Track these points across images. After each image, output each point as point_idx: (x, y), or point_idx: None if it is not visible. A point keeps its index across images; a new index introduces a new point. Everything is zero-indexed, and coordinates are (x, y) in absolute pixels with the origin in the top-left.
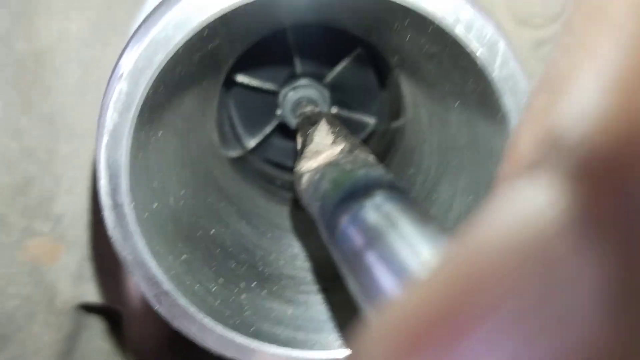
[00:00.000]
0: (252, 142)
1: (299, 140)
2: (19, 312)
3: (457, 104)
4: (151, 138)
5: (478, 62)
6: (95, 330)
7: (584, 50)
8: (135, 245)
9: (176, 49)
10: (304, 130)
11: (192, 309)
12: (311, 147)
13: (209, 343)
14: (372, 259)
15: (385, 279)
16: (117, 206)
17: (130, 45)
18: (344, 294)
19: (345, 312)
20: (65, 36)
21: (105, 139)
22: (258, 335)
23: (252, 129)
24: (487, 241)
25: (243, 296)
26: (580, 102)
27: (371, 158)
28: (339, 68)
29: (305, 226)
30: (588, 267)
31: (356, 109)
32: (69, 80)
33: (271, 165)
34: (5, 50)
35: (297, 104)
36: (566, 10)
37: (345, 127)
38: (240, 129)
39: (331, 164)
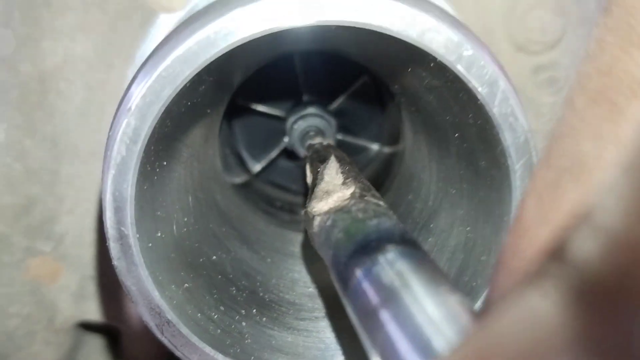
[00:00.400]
0: (257, 167)
1: (309, 174)
2: (19, 332)
3: (456, 135)
4: (156, 169)
5: (479, 97)
6: (94, 346)
7: (590, 135)
8: (139, 276)
9: (183, 83)
10: (314, 167)
11: (194, 339)
12: (322, 187)
13: None
14: (385, 319)
15: (398, 341)
16: (122, 237)
17: (138, 79)
18: (343, 321)
19: (345, 339)
20: (70, 59)
21: (111, 172)
22: None
23: (257, 154)
24: (497, 340)
25: (244, 324)
26: (592, 208)
27: (382, 204)
28: (343, 97)
29: (304, 250)
30: None
31: (359, 134)
32: (72, 102)
33: (274, 187)
34: (11, 72)
35: (305, 133)
36: (565, 35)
37: (353, 164)
38: (244, 154)
39: (343, 211)
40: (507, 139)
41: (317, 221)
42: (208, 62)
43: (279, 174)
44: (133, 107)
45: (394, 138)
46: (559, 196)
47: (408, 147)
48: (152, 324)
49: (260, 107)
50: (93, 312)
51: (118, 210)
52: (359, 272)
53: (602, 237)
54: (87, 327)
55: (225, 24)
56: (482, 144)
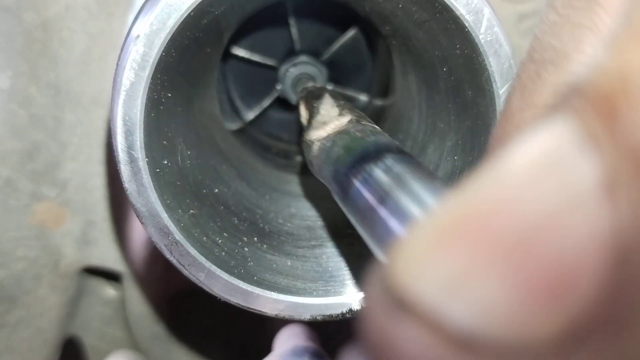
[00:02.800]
0: (250, 115)
1: (303, 112)
2: (26, 275)
3: (445, 69)
4: (162, 99)
5: (466, 25)
6: (97, 296)
7: (569, 26)
8: (148, 198)
9: (188, 12)
10: (309, 104)
11: (201, 259)
12: (318, 119)
13: (216, 290)
14: (386, 213)
15: (399, 228)
16: (132, 160)
17: (145, 9)
18: (337, 249)
19: (339, 263)
20: (72, 7)
21: (121, 98)
22: (261, 283)
23: (251, 103)
24: (504, 191)
25: (246, 249)
26: (583, 61)
27: (378, 128)
28: (335, 46)
29: (301, 189)
30: (592, 163)
31: (350, 85)
32: (74, 50)
33: (268, 137)
34: (15, 20)
35: (298, 80)
36: None
37: (347, 102)
38: (238, 102)
39: (342, 133)
40: (492, 64)
41: (316, 146)
42: None
43: (272, 124)
44: (141, 35)
45: (384, 91)
46: (541, 83)
47: (398, 89)
48: (161, 244)
49: (254, 57)
50: (96, 257)
51: (128, 134)
52: (359, 179)
53: (594, 68)
54: (91, 272)
55: None
56: (468, 73)
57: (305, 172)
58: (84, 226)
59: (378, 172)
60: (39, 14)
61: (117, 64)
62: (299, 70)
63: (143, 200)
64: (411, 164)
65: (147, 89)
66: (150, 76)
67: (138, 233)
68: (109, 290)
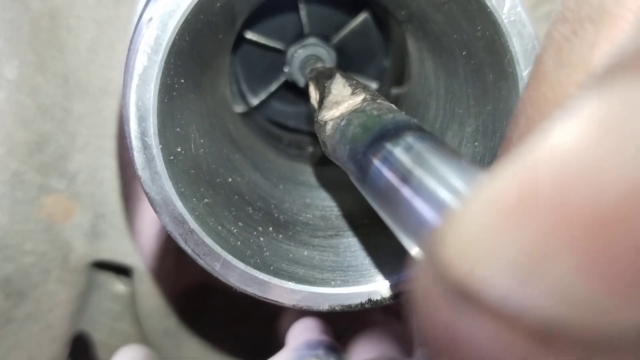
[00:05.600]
0: (255, 100)
1: (313, 94)
2: (35, 269)
3: (464, 53)
4: (175, 84)
5: (489, 5)
6: (106, 291)
7: None
8: (162, 186)
9: None
10: (320, 84)
11: (217, 248)
12: (330, 99)
13: (232, 280)
14: (409, 193)
15: (424, 209)
16: (146, 148)
17: None
18: (354, 238)
19: (356, 252)
20: None
21: (134, 82)
22: (277, 273)
23: (257, 87)
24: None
25: (261, 239)
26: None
27: (394, 107)
28: (346, 30)
29: (315, 179)
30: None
31: (360, 72)
32: (82, 39)
33: (273, 125)
34: (22, 8)
35: (306, 61)
36: None
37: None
38: (244, 86)
39: (357, 111)
40: (515, 45)
41: (329, 125)
42: None
43: (277, 113)
44: (155, 17)
45: (397, 79)
46: (578, 41)
47: (414, 77)
48: (175, 234)
49: (263, 40)
50: (106, 251)
51: (141, 120)
52: (378, 158)
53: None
54: (101, 266)
55: None
56: (489, 56)
57: (319, 162)
58: (94, 219)
59: (399, 150)
60: (45, 2)
61: (129, 48)
62: (308, 52)
63: (157, 188)
64: (434, 140)
65: (160, 74)
66: (164, 60)
67: (149, 226)
68: (118, 286)
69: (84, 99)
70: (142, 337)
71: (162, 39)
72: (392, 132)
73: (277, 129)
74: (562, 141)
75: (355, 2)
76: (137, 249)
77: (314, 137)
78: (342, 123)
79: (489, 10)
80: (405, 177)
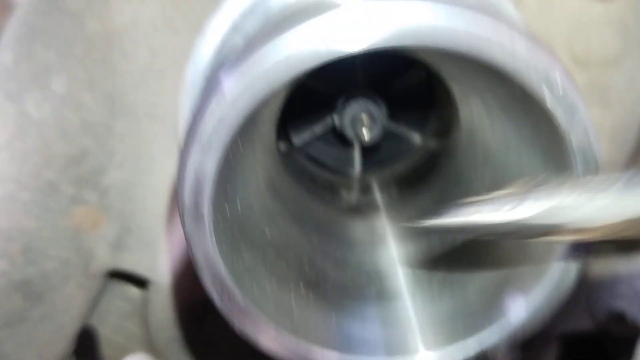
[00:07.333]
0: (299, 140)
1: None
2: (56, 274)
3: (522, 151)
4: (234, 151)
5: (560, 127)
6: (119, 291)
7: None
8: (208, 250)
9: (281, 85)
10: None
11: (252, 310)
12: None
13: (264, 342)
14: None
15: None
16: (198, 216)
17: (238, 69)
18: (386, 304)
19: (389, 325)
20: (137, 21)
21: (196, 149)
22: (307, 337)
23: (301, 126)
24: None
25: (292, 298)
26: None
27: None
28: (398, 84)
29: (349, 233)
30: None
31: (407, 125)
32: (135, 63)
33: (311, 161)
34: (78, 26)
35: (357, 117)
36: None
37: None
38: (289, 124)
39: None
40: (579, 169)
41: None
42: (310, 69)
43: (319, 150)
44: (229, 97)
45: (442, 134)
46: None
47: (461, 145)
48: (214, 294)
49: (314, 83)
50: (127, 262)
51: (197, 187)
52: None
53: None
54: (116, 275)
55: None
56: (549, 161)
57: (351, 210)
58: (120, 231)
59: None
60: (103, 24)
61: (197, 114)
62: (359, 105)
63: (203, 252)
64: None
65: (225, 144)
66: (231, 132)
67: (175, 246)
68: (131, 288)
69: (128, 120)
70: (147, 339)
71: (232, 116)
72: None
73: (314, 166)
74: None
75: (412, 61)
76: (158, 264)
77: (348, 180)
78: None
79: (558, 132)
80: None
